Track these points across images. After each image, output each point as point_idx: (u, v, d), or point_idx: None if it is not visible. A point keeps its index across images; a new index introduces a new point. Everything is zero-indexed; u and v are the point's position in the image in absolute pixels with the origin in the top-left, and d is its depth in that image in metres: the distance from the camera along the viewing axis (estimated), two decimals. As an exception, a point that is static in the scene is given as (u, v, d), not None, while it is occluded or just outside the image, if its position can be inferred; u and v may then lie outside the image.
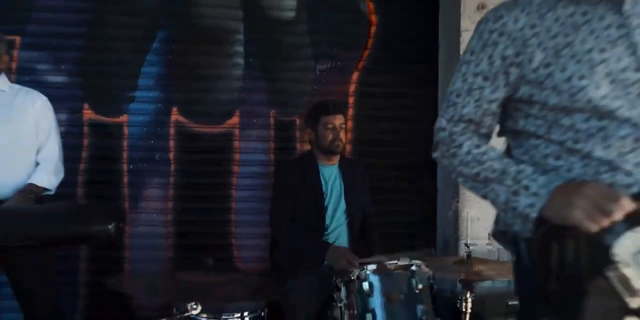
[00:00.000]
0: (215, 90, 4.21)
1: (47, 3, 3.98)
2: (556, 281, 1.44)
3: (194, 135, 4.19)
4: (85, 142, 4.05)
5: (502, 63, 1.59)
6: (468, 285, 2.89)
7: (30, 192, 3.07)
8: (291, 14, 4.29)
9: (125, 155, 4.11)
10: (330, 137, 3.38)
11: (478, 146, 1.64)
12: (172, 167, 4.16)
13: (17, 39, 3.89)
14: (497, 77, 1.61)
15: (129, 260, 4.07)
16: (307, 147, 3.78)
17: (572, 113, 1.53)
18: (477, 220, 3.80)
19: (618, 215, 1.38)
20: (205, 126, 4.20)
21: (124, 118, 4.11)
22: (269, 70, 4.29)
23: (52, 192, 3.21)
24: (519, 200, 1.52)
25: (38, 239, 2.44)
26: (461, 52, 3.71)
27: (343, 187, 3.48)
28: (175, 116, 4.16)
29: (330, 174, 3.48)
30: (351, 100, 4.35)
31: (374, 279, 2.63)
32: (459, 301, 2.93)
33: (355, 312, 2.62)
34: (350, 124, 4.13)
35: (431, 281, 2.70)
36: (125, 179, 4.11)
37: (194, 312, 2.31)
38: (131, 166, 4.12)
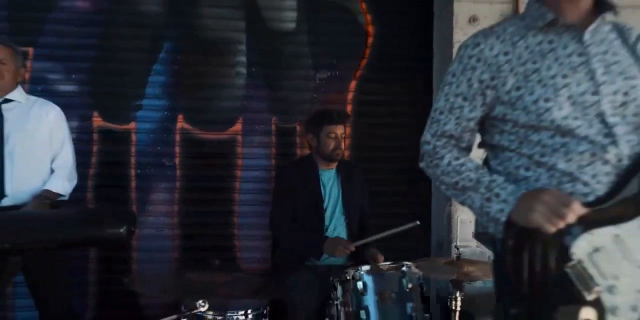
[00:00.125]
0: (219, 98, 4.26)
1: (58, 16, 4.05)
2: (523, 276, 1.60)
3: (199, 141, 4.24)
4: (95, 148, 4.12)
5: (480, 86, 1.76)
6: (458, 285, 3.02)
7: (46, 197, 3.17)
8: (292, 26, 4.34)
9: (133, 160, 4.17)
10: (332, 145, 3.45)
11: (457, 158, 1.81)
12: (178, 172, 4.21)
13: (30, 50, 3.97)
14: (475, 98, 1.78)
15: (136, 261, 4.14)
16: (307, 152, 3.84)
17: (539, 130, 1.70)
18: (468, 223, 3.82)
19: (571, 218, 1.56)
20: (210, 133, 4.25)
21: (131, 125, 4.16)
22: (271, 79, 4.33)
23: (66, 198, 3.30)
24: (491, 206, 1.70)
25: (55, 241, 2.45)
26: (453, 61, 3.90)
27: (341, 190, 3.52)
28: (180, 123, 4.21)
29: (328, 177, 3.53)
30: (349, 107, 4.37)
31: (368, 279, 2.73)
32: (449, 300, 3.05)
33: (350, 309, 2.73)
34: (348, 130, 4.13)
35: (421, 281, 2.80)
36: (133, 184, 4.17)
37: (202, 309, 2.42)
38: (139, 171, 4.18)
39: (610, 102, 1.67)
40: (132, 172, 4.18)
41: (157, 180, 4.22)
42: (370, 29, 4.42)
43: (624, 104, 1.68)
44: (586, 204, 1.61)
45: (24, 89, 3.41)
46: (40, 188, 3.21)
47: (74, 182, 3.39)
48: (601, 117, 1.66)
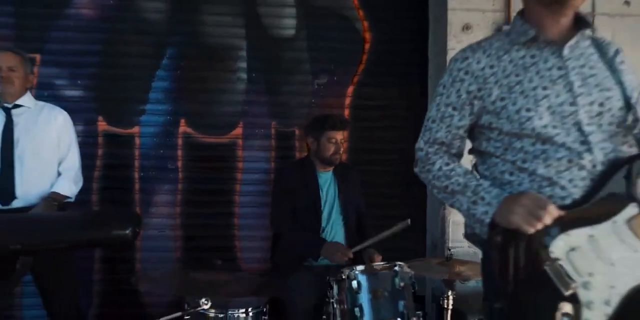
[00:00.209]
0: (220, 103, 4.32)
1: (64, 23, 4.13)
2: (505, 273, 1.70)
3: (201, 145, 4.30)
4: (100, 151, 4.19)
5: (468, 96, 1.88)
6: (450, 284, 3.11)
7: (54, 199, 3.25)
8: (291, 32, 4.40)
9: (136, 163, 4.24)
10: (332, 150, 3.50)
11: (448, 164, 1.93)
12: (180, 175, 4.28)
13: (38, 56, 4.05)
14: (464, 107, 1.90)
15: (140, 261, 4.20)
16: (305, 154, 3.86)
17: (522, 138, 1.81)
18: (460, 224, 3.75)
19: (547, 219, 1.67)
20: (211, 137, 4.31)
21: (135, 129, 4.23)
22: (270, 85, 4.39)
23: (72, 200, 3.38)
24: (477, 209, 1.81)
25: (64, 242, 2.47)
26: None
27: (337, 191, 3.57)
28: (183, 127, 4.28)
29: (325, 179, 3.59)
30: (347, 112, 4.43)
31: (362, 278, 2.83)
32: (442, 299, 3.14)
33: (345, 307, 2.82)
34: (346, 133, 4.07)
35: (413, 280, 2.89)
36: (137, 186, 4.24)
37: (205, 307, 2.53)
38: (142, 174, 4.24)
39: (586, 112, 1.78)
40: (136, 174, 4.25)
41: (160, 182, 4.28)
42: (367, 35, 4.48)
43: (599, 113, 1.79)
44: (563, 207, 1.72)
45: (31, 94, 3.48)
46: (48, 190, 3.29)
47: (80, 184, 3.46)
48: (578, 125, 1.77)
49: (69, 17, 4.15)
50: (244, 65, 4.36)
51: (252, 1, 4.36)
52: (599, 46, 1.88)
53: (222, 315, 2.90)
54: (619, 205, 1.73)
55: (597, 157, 1.75)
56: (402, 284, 2.83)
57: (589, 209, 1.73)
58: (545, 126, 1.77)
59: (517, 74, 1.83)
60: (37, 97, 3.54)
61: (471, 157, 2.02)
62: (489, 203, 1.79)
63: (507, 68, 1.84)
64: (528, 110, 1.78)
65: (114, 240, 2.85)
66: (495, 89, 1.83)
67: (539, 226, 1.67)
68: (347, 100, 4.48)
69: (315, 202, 3.53)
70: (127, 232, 2.82)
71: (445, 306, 3.12)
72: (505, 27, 3.90)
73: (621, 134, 1.81)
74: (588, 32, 1.87)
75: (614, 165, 1.76)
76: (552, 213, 1.67)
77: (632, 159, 1.77)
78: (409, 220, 3.23)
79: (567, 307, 1.66)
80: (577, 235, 1.71)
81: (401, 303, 2.79)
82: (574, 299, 1.67)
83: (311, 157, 3.63)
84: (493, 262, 1.76)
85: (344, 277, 2.86)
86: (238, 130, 4.36)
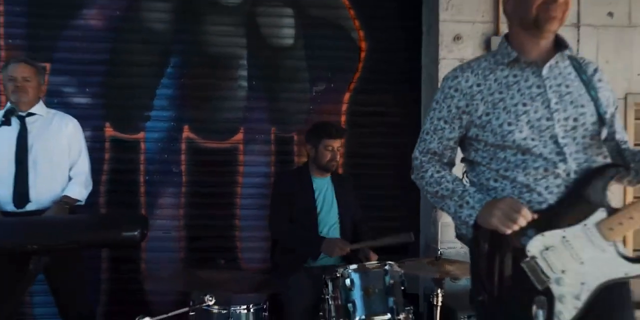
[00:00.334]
0: (222, 109, 4.42)
1: (73, 33, 4.23)
2: (487, 269, 1.89)
3: (203, 149, 4.39)
4: (107, 156, 4.29)
5: (457, 111, 2.06)
6: (439, 282, 3.23)
7: (65, 203, 3.39)
8: (289, 42, 4.49)
9: (142, 167, 4.34)
10: (328, 157, 3.60)
11: (439, 171, 2.12)
12: (184, 178, 4.37)
13: (48, 65, 4.13)
14: (454, 121, 2.08)
15: (145, 260, 4.29)
16: (304, 159, 4.00)
17: (504, 149, 1.99)
18: (451, 226, 3.86)
19: (521, 222, 1.85)
20: (213, 142, 4.40)
21: (141, 135, 4.33)
22: (270, 92, 4.48)
23: (82, 203, 3.51)
24: (462, 212, 2.00)
25: (77, 243, 2.52)
26: (440, 76, 4.04)
27: (335, 196, 3.67)
28: (186, 133, 4.37)
29: (322, 185, 3.68)
30: (343, 118, 4.51)
31: (355, 276, 2.98)
32: (431, 296, 3.27)
33: (340, 302, 2.98)
34: (342, 141, 4.02)
35: (402, 278, 3.04)
36: (142, 189, 4.34)
37: (210, 303, 2.66)
38: (147, 177, 4.35)
39: (562, 126, 1.95)
40: (142, 178, 4.35)
41: (164, 186, 4.38)
42: (363, 44, 4.57)
43: (574, 128, 1.96)
44: (539, 211, 1.90)
45: (42, 101, 3.59)
46: (60, 194, 3.42)
47: (90, 188, 3.58)
48: (554, 138, 1.94)
49: (77, 28, 4.25)
50: (244, 73, 4.44)
51: (253, 12, 4.44)
52: (579, 65, 2.05)
53: (224, 312, 3.02)
54: (589, 210, 1.90)
55: (571, 166, 1.92)
56: (391, 282, 2.98)
57: (562, 213, 1.91)
58: (524, 139, 1.95)
59: (500, 91, 2.01)
60: (47, 104, 3.63)
61: (462, 165, 2.19)
62: (472, 207, 1.97)
63: (492, 86, 2.02)
64: (510, 124, 1.96)
65: (123, 241, 2.95)
66: (481, 105, 2.01)
67: (515, 227, 1.85)
68: (344, 107, 4.55)
69: (311, 207, 3.62)
70: (136, 233, 2.92)
71: (435, 303, 3.23)
72: (494, 38, 4.07)
73: (595, 146, 1.98)
74: (567, 52, 2.04)
75: (586, 174, 1.93)
76: (526, 216, 1.85)
77: (602, 169, 1.95)
78: (412, 234, 3.31)
79: (541, 300, 1.85)
80: (552, 236, 1.89)
81: (391, 299, 2.95)
82: (547, 293, 1.86)
83: (309, 163, 3.73)
84: (476, 260, 1.95)
85: (338, 275, 3.01)
86: (239, 136, 4.44)
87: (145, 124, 4.36)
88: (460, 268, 3.23)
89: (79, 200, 3.49)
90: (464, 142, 2.13)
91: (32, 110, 3.46)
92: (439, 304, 3.23)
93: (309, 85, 4.55)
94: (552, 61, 2.01)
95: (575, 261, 1.88)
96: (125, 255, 4.28)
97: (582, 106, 1.98)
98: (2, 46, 4.17)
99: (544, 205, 1.92)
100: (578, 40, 4.15)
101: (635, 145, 3.53)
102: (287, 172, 4.20)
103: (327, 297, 3.03)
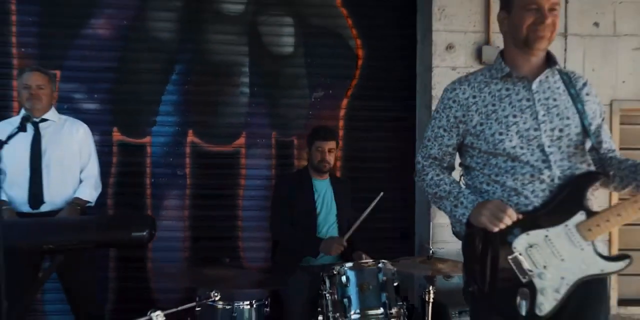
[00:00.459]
0: (225, 115, 4.51)
1: (82, 42, 4.34)
2: (478, 263, 2.06)
3: (207, 153, 4.48)
4: (115, 159, 4.38)
5: (455, 120, 2.24)
6: (430, 280, 3.36)
7: (77, 204, 3.51)
8: (290, 50, 4.60)
9: (148, 170, 4.44)
10: (318, 158, 3.71)
11: (438, 175, 2.30)
12: (188, 181, 4.47)
13: (58, 72, 4.24)
14: (452, 130, 2.26)
15: (151, 260, 4.39)
16: (304, 162, 4.10)
17: (496, 156, 2.16)
18: (445, 226, 4.00)
19: (507, 221, 2.02)
20: (217, 146, 4.50)
21: (147, 139, 4.43)
22: (271, 98, 4.57)
23: (92, 204, 3.64)
24: (457, 211, 2.17)
25: (90, 242, 2.65)
26: (433, 84, 4.19)
27: (334, 197, 3.76)
28: (190, 137, 4.47)
29: (322, 186, 3.78)
30: (341, 123, 4.61)
31: (350, 274, 3.11)
32: (423, 293, 3.39)
33: (336, 298, 3.10)
34: (340, 143, 4.17)
35: (395, 275, 3.16)
36: (149, 191, 4.44)
37: (215, 299, 2.80)
38: (153, 180, 4.44)
39: (548, 136, 2.12)
40: (148, 181, 4.45)
41: (169, 188, 4.47)
42: (360, 52, 4.67)
43: (559, 138, 2.13)
44: (525, 212, 2.08)
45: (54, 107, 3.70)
46: (72, 196, 3.56)
47: (99, 190, 3.71)
48: (541, 147, 2.11)
49: (86, 37, 4.36)
50: (246, 80, 4.54)
51: (254, 21, 4.54)
52: (569, 79, 2.21)
53: (229, 307, 3.12)
54: (570, 212, 2.07)
55: (555, 173, 2.09)
56: (384, 279, 3.11)
57: (546, 215, 2.08)
58: (514, 147, 2.12)
59: (493, 103, 2.18)
60: (58, 110, 3.74)
61: (460, 169, 2.37)
62: (466, 207, 2.14)
63: (487, 98, 2.20)
64: (501, 133, 2.14)
65: (132, 241, 3.03)
66: (476, 116, 2.19)
67: (502, 226, 2.02)
68: (342, 112, 4.65)
69: (310, 208, 3.71)
70: (144, 234, 2.96)
71: (427, 299, 3.35)
72: (485, 47, 4.21)
73: (579, 154, 2.15)
74: (557, 67, 2.21)
75: (569, 180, 2.10)
76: (511, 216, 2.02)
77: (584, 175, 2.12)
78: (382, 193, 3.45)
79: (525, 292, 2.01)
80: (536, 235, 2.06)
81: (384, 295, 3.08)
82: (530, 286, 2.03)
83: (308, 166, 3.84)
84: (468, 254, 2.12)
85: (335, 272, 3.14)
86: (241, 140, 4.54)
87: (152, 129, 4.46)
88: (451, 266, 3.36)
89: (89, 202, 3.61)
90: (461, 148, 2.30)
91: (45, 116, 3.58)
92: (431, 300, 3.33)
93: (309, 92, 4.63)
94: (542, 76, 2.18)
95: (556, 258, 2.05)
96: (133, 254, 4.36)
97: (568, 118, 2.14)
98: (15, 54, 4.28)
99: (530, 208, 2.09)
100: (565, 49, 4.27)
101: (621, 149, 3.65)
102: (288, 174, 4.30)
103: (324, 293, 3.14)
